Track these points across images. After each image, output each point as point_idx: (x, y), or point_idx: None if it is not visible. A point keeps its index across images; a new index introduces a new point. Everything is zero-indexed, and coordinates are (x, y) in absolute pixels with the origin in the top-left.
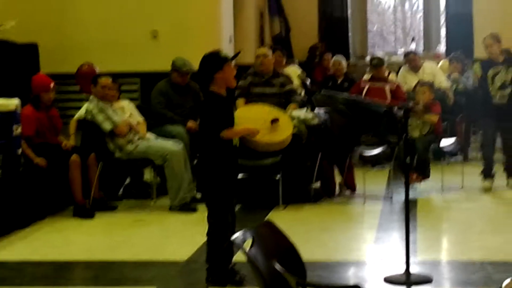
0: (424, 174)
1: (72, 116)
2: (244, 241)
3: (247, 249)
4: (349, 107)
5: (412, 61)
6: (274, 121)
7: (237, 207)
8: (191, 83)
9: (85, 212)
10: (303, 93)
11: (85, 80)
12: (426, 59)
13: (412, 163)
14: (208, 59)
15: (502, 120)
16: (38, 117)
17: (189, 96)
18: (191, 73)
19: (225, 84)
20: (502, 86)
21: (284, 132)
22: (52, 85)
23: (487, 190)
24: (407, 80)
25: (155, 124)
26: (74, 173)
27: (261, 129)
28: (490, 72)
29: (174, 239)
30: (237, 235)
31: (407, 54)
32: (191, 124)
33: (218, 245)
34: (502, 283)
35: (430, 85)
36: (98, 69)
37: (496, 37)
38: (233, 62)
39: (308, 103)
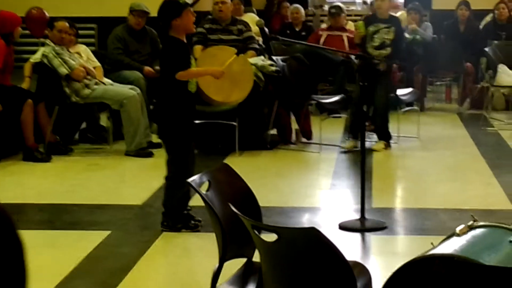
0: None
1: (25, 60)
2: (200, 184)
3: (204, 192)
4: (307, 55)
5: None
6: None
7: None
8: (148, 29)
9: (35, 156)
10: (261, 41)
11: (35, 24)
12: None
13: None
14: (167, 5)
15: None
16: (7, 52)
17: (146, 42)
18: (146, 16)
19: (184, 31)
20: (380, 46)
21: (243, 89)
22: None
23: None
24: None
25: (112, 70)
26: (28, 117)
27: (220, 83)
28: (371, 29)
29: (130, 183)
30: (193, 178)
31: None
32: (148, 69)
33: (176, 189)
34: (455, 229)
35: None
36: (47, 14)
37: None
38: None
39: (265, 50)
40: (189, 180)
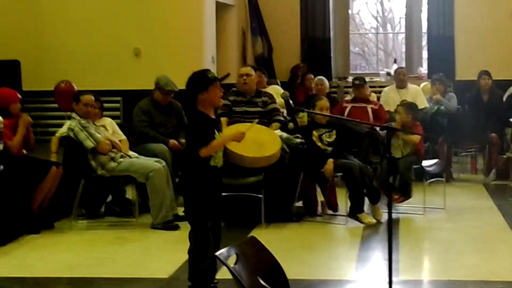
0: (406, 194)
1: (53, 133)
2: (228, 257)
3: (232, 265)
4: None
5: (400, 74)
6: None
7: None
8: (173, 102)
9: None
10: (285, 113)
11: (63, 98)
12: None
13: (394, 183)
14: (194, 79)
15: None
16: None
17: (172, 114)
18: (174, 92)
19: (210, 105)
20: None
21: (272, 148)
22: (18, 95)
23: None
24: (389, 100)
25: (137, 143)
26: (48, 183)
27: (248, 144)
28: (315, 133)
29: (156, 256)
30: (221, 252)
31: (396, 72)
32: (173, 142)
33: (199, 262)
34: None
35: (411, 105)
36: (76, 87)
37: None
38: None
39: (291, 122)
40: (217, 253)
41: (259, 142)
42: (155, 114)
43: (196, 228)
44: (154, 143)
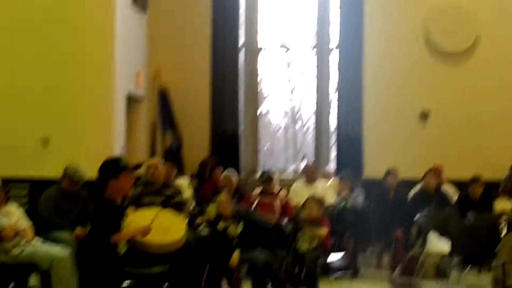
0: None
1: None
2: None
3: None
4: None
5: (309, 170)
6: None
7: None
8: (81, 191)
9: None
10: (194, 205)
11: None
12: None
13: (300, 276)
14: (107, 165)
15: None
16: None
17: (78, 203)
18: (82, 181)
19: (119, 192)
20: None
21: (177, 233)
22: None
23: None
24: (299, 194)
25: (42, 230)
26: None
27: (153, 231)
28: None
29: None
30: None
31: (305, 167)
32: (78, 231)
33: None
34: None
35: (319, 200)
36: None
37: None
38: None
39: (199, 214)
40: None
41: (163, 228)
42: (62, 202)
43: None
44: (59, 230)
